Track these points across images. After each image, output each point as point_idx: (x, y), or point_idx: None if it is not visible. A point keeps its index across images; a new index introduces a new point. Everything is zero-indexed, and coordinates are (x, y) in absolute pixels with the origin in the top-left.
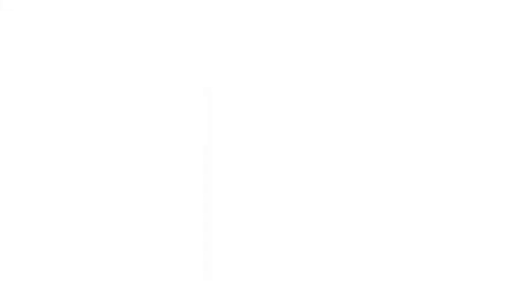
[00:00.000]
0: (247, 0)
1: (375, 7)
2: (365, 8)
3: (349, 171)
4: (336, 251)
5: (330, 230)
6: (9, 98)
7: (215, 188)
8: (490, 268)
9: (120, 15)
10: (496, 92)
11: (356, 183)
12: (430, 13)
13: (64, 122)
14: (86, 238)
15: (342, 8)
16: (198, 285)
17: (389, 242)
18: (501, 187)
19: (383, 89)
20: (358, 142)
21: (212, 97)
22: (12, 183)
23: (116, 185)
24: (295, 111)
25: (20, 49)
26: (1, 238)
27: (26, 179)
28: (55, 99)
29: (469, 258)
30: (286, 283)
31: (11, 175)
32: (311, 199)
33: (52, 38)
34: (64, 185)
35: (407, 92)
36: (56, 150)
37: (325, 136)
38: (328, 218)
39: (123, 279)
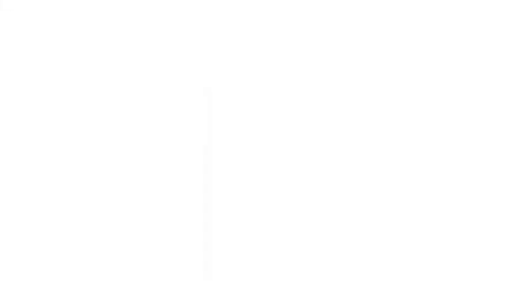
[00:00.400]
0: (247, 0)
1: (375, 7)
2: (365, 8)
3: (349, 171)
4: (336, 250)
5: (330, 230)
6: (10, 98)
7: (215, 188)
8: (490, 268)
9: (120, 15)
10: (496, 92)
11: (356, 183)
12: (430, 13)
13: (64, 122)
14: (86, 238)
15: (342, 8)
16: (198, 285)
17: (389, 242)
18: (501, 187)
19: (383, 89)
20: (358, 142)
21: (212, 97)
22: (12, 183)
23: (116, 185)
24: (295, 111)
25: (20, 49)
26: (1, 238)
27: (26, 179)
28: (56, 100)
29: (469, 258)
30: (286, 283)
31: (11, 175)
32: (311, 198)
33: (52, 38)
34: (64, 185)
35: (407, 92)
36: (56, 150)
37: (325, 136)
38: (328, 218)
39: (123, 279)
